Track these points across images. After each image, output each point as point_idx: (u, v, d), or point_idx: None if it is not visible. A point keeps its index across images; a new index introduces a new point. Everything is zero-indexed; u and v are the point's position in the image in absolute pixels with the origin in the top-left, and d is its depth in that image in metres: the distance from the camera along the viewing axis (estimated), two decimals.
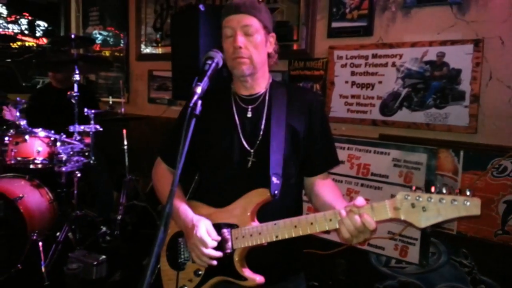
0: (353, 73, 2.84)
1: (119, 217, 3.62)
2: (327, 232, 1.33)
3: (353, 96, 2.85)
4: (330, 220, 1.28)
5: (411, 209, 1.16)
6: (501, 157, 2.27)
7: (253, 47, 1.44)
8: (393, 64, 2.66)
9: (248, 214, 1.40)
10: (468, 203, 1.10)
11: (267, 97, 1.53)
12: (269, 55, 1.53)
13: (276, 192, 1.40)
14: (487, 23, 2.35)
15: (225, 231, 1.42)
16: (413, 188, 1.18)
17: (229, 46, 1.45)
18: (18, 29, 5.24)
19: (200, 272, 1.46)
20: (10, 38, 5.19)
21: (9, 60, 5.19)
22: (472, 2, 2.40)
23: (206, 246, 1.36)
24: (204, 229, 1.38)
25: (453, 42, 2.44)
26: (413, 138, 2.60)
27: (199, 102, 1.22)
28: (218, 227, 1.43)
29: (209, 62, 1.34)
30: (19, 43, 5.27)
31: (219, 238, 1.39)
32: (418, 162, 2.53)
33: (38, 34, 5.36)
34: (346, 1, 2.87)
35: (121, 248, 3.42)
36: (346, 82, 2.87)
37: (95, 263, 2.90)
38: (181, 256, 1.51)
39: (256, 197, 1.42)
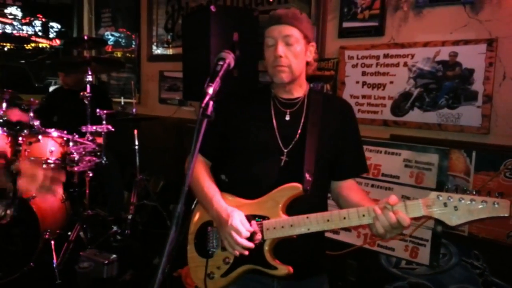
0: (364, 73, 2.83)
1: (129, 217, 3.65)
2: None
3: (364, 96, 2.83)
4: (363, 215, 1.34)
5: (443, 208, 1.25)
6: None
7: (293, 56, 1.51)
8: (405, 64, 2.64)
9: (280, 207, 1.46)
10: (497, 205, 1.18)
11: (305, 103, 1.60)
12: (307, 63, 1.59)
13: (308, 187, 1.46)
14: (500, 22, 2.33)
15: (257, 222, 1.47)
16: (445, 189, 1.26)
17: (270, 55, 1.52)
18: (32, 31, 5.33)
19: (229, 260, 1.51)
20: (24, 39, 5.28)
21: (23, 61, 5.27)
22: (486, 1, 2.37)
23: (240, 235, 1.41)
24: (238, 220, 1.43)
25: (466, 42, 2.41)
26: (424, 139, 2.58)
27: (211, 102, 1.24)
28: (249, 218, 1.48)
29: (221, 63, 1.37)
30: (32, 44, 5.36)
31: (252, 229, 1.44)
32: (430, 162, 2.51)
33: (51, 36, 5.44)
34: (358, 1, 2.86)
35: (132, 247, 3.44)
36: (357, 82, 2.86)
37: (106, 262, 2.92)
38: (209, 244, 1.57)
39: (288, 191, 1.47)
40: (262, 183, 1.51)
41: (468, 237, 2.40)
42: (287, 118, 1.58)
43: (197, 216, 1.65)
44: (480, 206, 1.20)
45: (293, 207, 1.47)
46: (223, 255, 1.52)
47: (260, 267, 1.46)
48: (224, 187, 1.64)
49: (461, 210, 1.22)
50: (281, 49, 1.49)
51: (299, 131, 1.55)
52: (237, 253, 1.43)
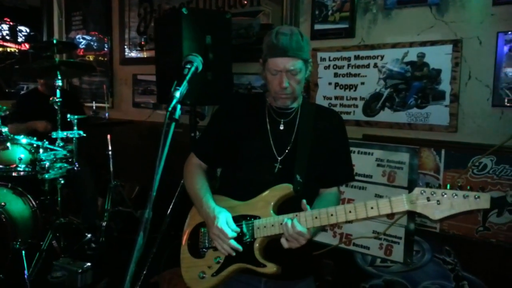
0: (336, 75, 2.86)
1: (104, 224, 3.59)
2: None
3: (336, 97, 2.87)
4: (350, 212, 1.40)
5: (426, 203, 1.29)
6: (481, 155, 2.31)
7: (296, 83, 1.57)
8: (375, 65, 2.68)
9: (270, 206, 1.52)
10: (478, 199, 1.23)
11: (299, 113, 1.67)
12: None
13: (298, 188, 1.52)
14: (465, 23, 2.39)
15: (247, 221, 1.53)
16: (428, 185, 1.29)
17: (274, 83, 1.57)
18: None
19: (219, 260, 1.56)
20: None
21: None
22: (450, 3, 2.44)
23: (226, 237, 1.47)
24: (224, 221, 1.50)
25: (433, 43, 2.47)
26: (395, 138, 2.63)
27: (178, 106, 1.27)
28: (241, 218, 1.54)
29: (188, 66, 1.38)
30: (0, 49, 5.20)
31: (238, 229, 1.50)
32: (401, 161, 2.55)
33: (20, 40, 5.29)
34: (328, 3, 2.90)
35: (107, 255, 3.38)
36: (330, 83, 2.90)
37: (80, 270, 2.86)
38: (201, 244, 1.62)
39: (279, 191, 1.53)
40: (255, 188, 1.56)
41: (440, 234, 2.46)
42: (281, 127, 1.64)
43: (191, 218, 1.70)
44: (462, 200, 1.24)
45: (285, 208, 1.52)
46: (214, 255, 1.57)
47: (250, 265, 1.51)
48: (218, 189, 1.70)
49: (444, 204, 1.26)
50: (286, 80, 1.54)
51: (293, 139, 1.61)
52: (226, 253, 1.50)
